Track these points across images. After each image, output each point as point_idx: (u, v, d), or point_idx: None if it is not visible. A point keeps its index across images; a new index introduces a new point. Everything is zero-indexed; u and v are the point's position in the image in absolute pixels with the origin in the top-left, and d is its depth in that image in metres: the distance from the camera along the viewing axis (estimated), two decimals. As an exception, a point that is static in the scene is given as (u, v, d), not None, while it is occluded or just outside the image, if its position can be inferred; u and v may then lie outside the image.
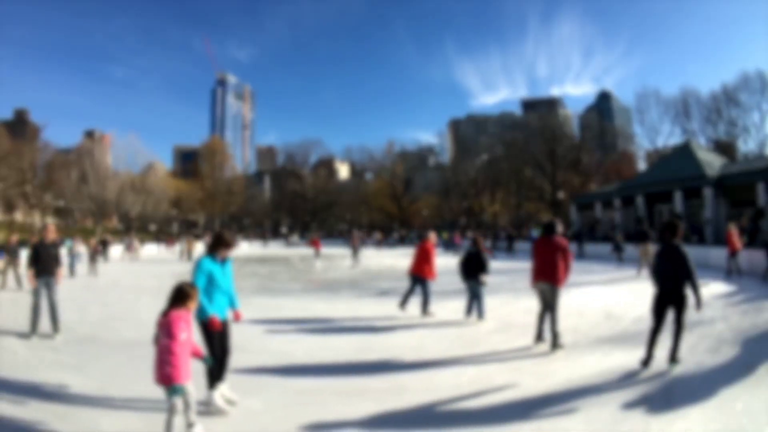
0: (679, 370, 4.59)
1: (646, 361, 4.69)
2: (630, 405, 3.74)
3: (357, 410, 3.73)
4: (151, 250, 33.57)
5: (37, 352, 5.64)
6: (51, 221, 52.23)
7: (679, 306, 4.67)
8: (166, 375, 3.01)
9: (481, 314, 7.30)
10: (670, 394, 3.99)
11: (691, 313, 4.80)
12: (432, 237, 8.15)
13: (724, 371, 4.56)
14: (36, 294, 6.40)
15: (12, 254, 12.15)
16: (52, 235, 6.80)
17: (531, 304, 8.45)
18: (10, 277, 11.94)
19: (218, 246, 3.90)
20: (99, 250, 17.08)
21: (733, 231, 13.11)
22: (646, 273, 13.43)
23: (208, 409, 3.64)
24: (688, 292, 4.62)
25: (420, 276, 7.83)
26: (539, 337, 5.74)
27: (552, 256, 5.50)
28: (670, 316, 4.76)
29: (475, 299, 7.36)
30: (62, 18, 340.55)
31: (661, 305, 4.77)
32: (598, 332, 6.32)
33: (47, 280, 6.46)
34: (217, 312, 3.78)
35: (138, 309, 8.95)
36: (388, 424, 3.51)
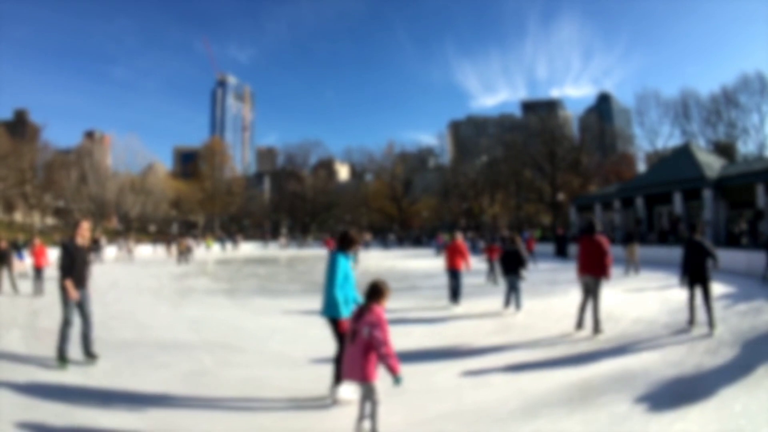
0: (677, 371, 4.61)
1: (691, 321, 6.47)
2: (629, 406, 3.74)
3: (357, 411, 3.73)
4: (146, 251, 33.42)
5: (37, 352, 5.64)
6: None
7: (704, 285, 6.31)
8: (390, 366, 3.06)
9: (519, 306, 8.04)
10: (669, 395, 3.99)
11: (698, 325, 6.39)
12: (460, 236, 9.30)
13: (723, 372, 4.57)
14: (68, 310, 5.08)
15: (4, 258, 11.48)
16: (86, 234, 5.45)
17: (529, 305, 8.47)
18: (6, 281, 11.38)
19: (349, 243, 4.16)
20: (91, 251, 16.96)
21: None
22: (633, 273, 13.79)
23: (333, 401, 3.89)
24: (708, 275, 6.29)
25: (454, 269, 8.76)
26: (579, 325, 6.42)
27: (595, 253, 6.26)
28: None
29: (513, 292, 8.10)
30: (63, 19, 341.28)
31: (692, 284, 6.45)
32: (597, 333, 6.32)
33: (82, 293, 5.23)
34: (348, 312, 3.93)
35: (136, 310, 8.96)
36: (388, 426, 3.51)
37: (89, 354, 5.19)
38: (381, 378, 4.27)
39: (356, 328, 3.18)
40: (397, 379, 3.06)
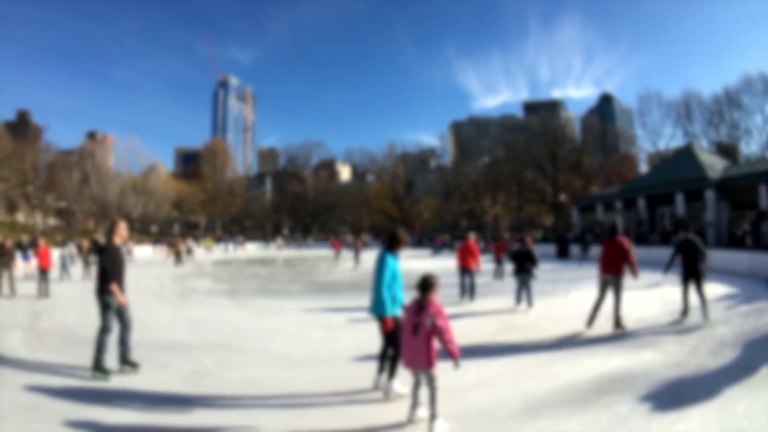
0: (679, 372, 4.59)
1: (685, 311, 7.08)
2: (630, 407, 3.72)
3: (358, 412, 3.72)
4: (147, 252, 33.35)
5: (37, 352, 5.65)
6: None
7: (697, 279, 6.99)
8: (452, 351, 3.26)
9: (531, 303, 8.34)
10: (671, 395, 3.97)
11: (693, 317, 6.96)
12: (472, 237, 9.63)
13: (725, 373, 4.55)
14: (109, 315, 4.72)
15: (6, 258, 11.13)
16: (124, 234, 5.10)
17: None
18: (5, 282, 10.99)
19: (397, 243, 4.22)
20: (89, 252, 17.03)
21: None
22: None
23: (387, 395, 4.00)
24: (701, 269, 6.97)
25: (467, 268, 9.22)
26: (590, 323, 6.61)
27: (617, 253, 6.53)
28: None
29: (524, 290, 8.36)
30: (65, 20, 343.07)
31: (686, 278, 7.12)
32: (599, 334, 6.31)
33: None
34: (395, 311, 4.01)
35: (137, 310, 8.87)
36: (390, 427, 3.50)
37: (127, 362, 4.81)
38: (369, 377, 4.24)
39: (418, 321, 3.33)
40: (457, 363, 3.30)
